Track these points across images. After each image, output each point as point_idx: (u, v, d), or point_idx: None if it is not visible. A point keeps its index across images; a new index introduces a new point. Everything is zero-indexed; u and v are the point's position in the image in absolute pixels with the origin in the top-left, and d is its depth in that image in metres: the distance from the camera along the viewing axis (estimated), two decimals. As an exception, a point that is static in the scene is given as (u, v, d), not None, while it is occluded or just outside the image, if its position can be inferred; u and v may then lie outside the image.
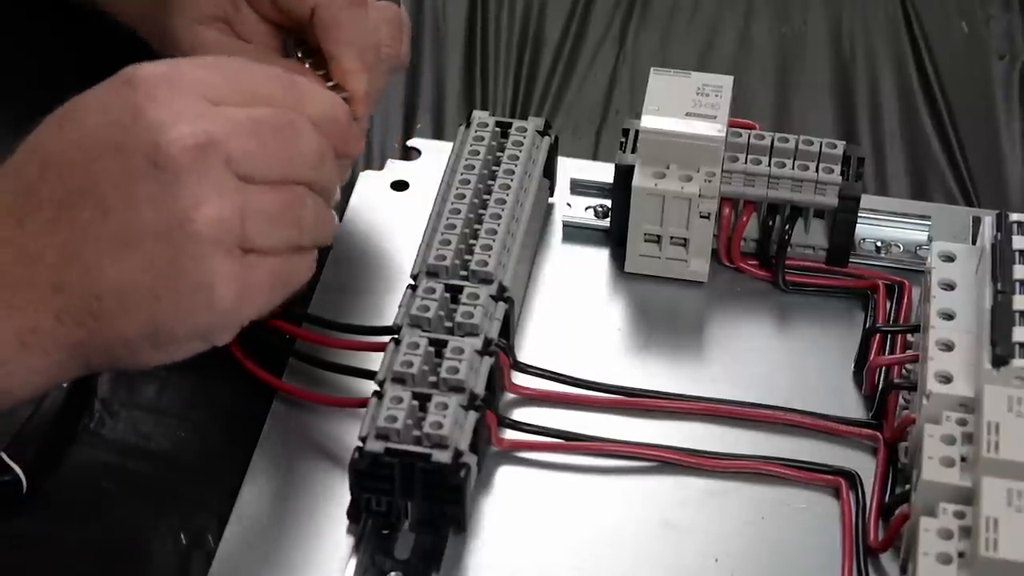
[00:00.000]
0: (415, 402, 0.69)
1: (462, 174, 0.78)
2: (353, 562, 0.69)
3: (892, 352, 0.76)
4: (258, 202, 0.64)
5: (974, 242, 0.80)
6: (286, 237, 0.66)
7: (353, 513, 0.70)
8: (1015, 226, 0.73)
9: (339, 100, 0.70)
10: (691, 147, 0.78)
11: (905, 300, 0.79)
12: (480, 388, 0.70)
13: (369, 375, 0.73)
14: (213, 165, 0.62)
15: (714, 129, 0.78)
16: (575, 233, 0.84)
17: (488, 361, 0.71)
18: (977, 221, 0.81)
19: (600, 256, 0.83)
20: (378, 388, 0.70)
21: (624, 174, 0.80)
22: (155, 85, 0.63)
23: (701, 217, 0.79)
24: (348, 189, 0.86)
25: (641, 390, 0.76)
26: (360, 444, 0.68)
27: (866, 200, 0.80)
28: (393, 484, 0.68)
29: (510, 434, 0.74)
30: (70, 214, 0.62)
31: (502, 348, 0.73)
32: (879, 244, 0.83)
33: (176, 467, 0.73)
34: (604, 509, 0.72)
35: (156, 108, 0.62)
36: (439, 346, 0.71)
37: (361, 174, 0.86)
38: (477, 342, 0.71)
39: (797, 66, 0.96)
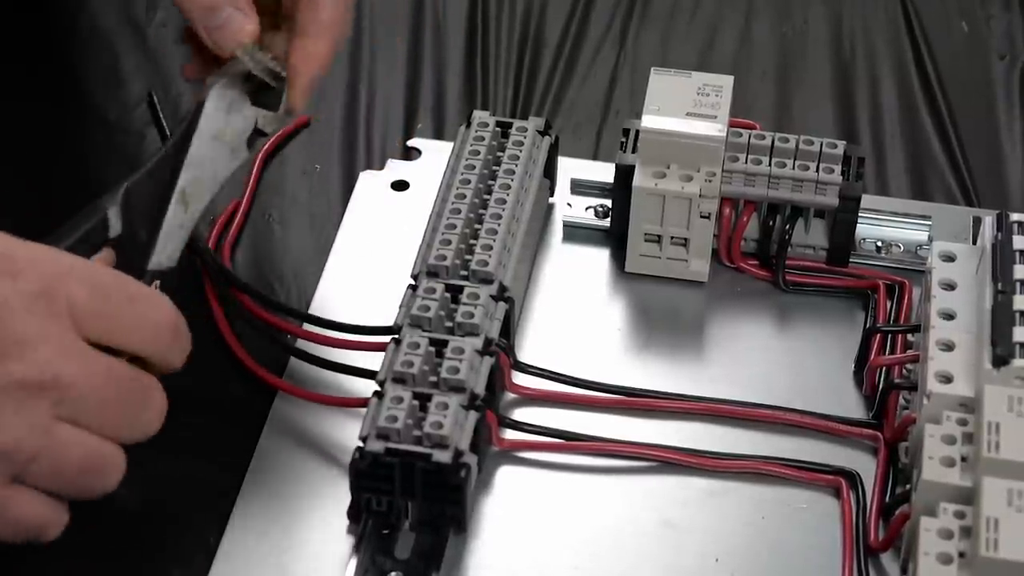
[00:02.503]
0: (415, 402, 0.69)
1: (462, 174, 0.78)
2: (353, 562, 0.69)
3: (892, 352, 0.76)
4: (59, 451, 0.61)
5: (974, 242, 0.80)
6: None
7: (353, 513, 0.70)
8: (1015, 226, 0.73)
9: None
10: (691, 147, 0.78)
11: (905, 300, 0.79)
12: (480, 388, 0.70)
13: (369, 375, 0.73)
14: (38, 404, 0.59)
15: (714, 129, 0.78)
16: (575, 233, 0.84)
17: (488, 361, 0.71)
18: (977, 221, 0.81)
19: (600, 256, 0.83)
20: (378, 388, 0.70)
21: (624, 174, 0.80)
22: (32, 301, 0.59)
23: (701, 217, 0.79)
24: (348, 189, 0.86)
25: (641, 390, 0.76)
26: (360, 444, 0.68)
27: (866, 200, 0.80)
28: (393, 484, 0.68)
29: (510, 434, 0.74)
30: None
31: (502, 348, 0.73)
32: (879, 244, 0.83)
33: (177, 466, 0.73)
34: (604, 509, 0.72)
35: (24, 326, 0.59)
36: (439, 346, 0.71)
37: (361, 174, 0.86)
38: (477, 342, 0.71)
39: (797, 66, 0.95)
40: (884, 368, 0.75)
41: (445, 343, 0.71)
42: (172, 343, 0.64)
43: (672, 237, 0.80)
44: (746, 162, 0.79)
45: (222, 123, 0.70)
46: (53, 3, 0.93)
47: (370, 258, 0.82)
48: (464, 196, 0.77)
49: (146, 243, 0.68)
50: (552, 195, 0.85)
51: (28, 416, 0.59)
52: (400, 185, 0.86)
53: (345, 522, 0.70)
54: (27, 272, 0.59)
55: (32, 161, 0.87)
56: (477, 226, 0.76)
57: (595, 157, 0.89)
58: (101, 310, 0.61)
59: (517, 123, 0.81)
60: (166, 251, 0.69)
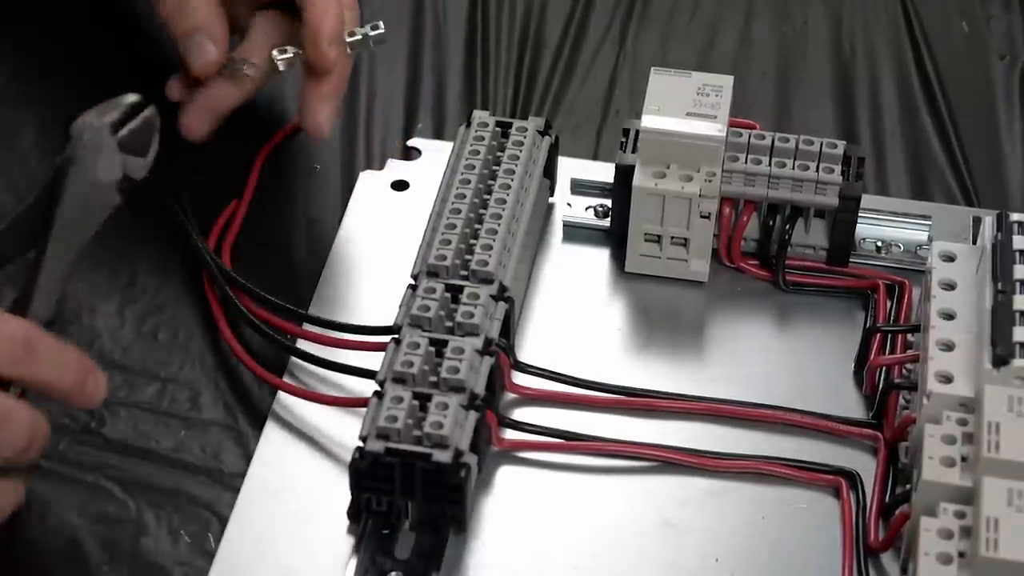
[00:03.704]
0: (415, 402, 0.69)
1: (462, 174, 0.78)
2: (353, 562, 0.69)
3: (892, 352, 0.76)
4: None
5: (974, 242, 0.80)
6: None
7: (353, 513, 0.70)
8: (1015, 226, 0.73)
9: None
10: (691, 147, 0.78)
11: (905, 300, 0.79)
12: (480, 388, 0.70)
13: (369, 375, 0.73)
14: None
15: (714, 129, 0.78)
16: (575, 233, 0.84)
17: (488, 361, 0.71)
18: (977, 221, 0.81)
19: (600, 256, 0.83)
20: (378, 388, 0.70)
21: (624, 174, 0.80)
22: None
23: (701, 217, 0.79)
24: (348, 189, 0.86)
25: (641, 390, 0.76)
26: (360, 444, 0.68)
27: (866, 200, 0.80)
28: (393, 484, 0.68)
29: (510, 434, 0.74)
30: None
31: (502, 348, 0.73)
32: (879, 244, 0.83)
33: (176, 467, 0.73)
34: (604, 509, 0.72)
35: None
36: (439, 346, 0.71)
37: (361, 174, 0.86)
38: (477, 342, 0.71)
39: (797, 66, 0.95)
40: (884, 368, 0.75)
41: (445, 343, 0.71)
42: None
43: (672, 237, 0.80)
44: (746, 162, 0.79)
45: (94, 173, 0.67)
46: (53, 4, 0.93)
47: (370, 258, 0.82)
48: (464, 196, 0.77)
49: (17, 297, 0.67)
50: (552, 195, 0.85)
51: None
52: (400, 185, 0.86)
53: (345, 522, 0.70)
54: None
55: (32, 164, 0.87)
56: (477, 226, 0.76)
57: (595, 157, 0.89)
58: None
59: (517, 123, 0.81)
60: (44, 306, 0.67)
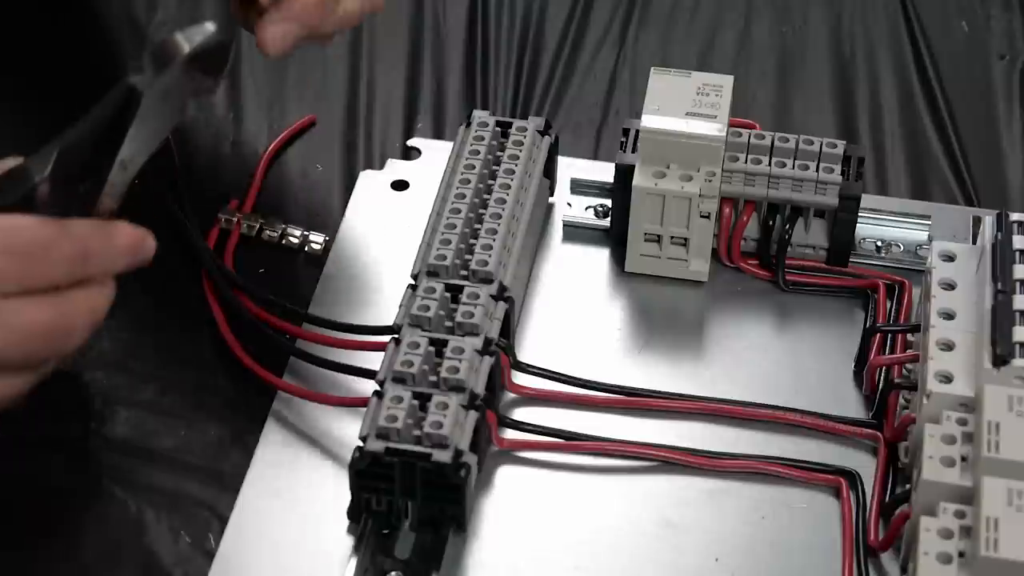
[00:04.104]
0: (415, 402, 0.69)
1: (462, 174, 0.78)
2: (353, 562, 0.69)
3: (892, 352, 0.76)
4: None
5: (974, 242, 0.80)
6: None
7: (353, 513, 0.70)
8: (1015, 226, 0.73)
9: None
10: (691, 147, 0.78)
11: (905, 300, 0.79)
12: (480, 388, 0.70)
13: (369, 375, 0.73)
14: None
15: (714, 129, 0.78)
16: (575, 233, 0.84)
17: (488, 361, 0.71)
18: (977, 221, 0.81)
19: (600, 256, 0.83)
20: (378, 388, 0.70)
21: (624, 174, 0.80)
22: None
23: (701, 217, 0.79)
24: (348, 189, 0.86)
25: (641, 390, 0.76)
26: (360, 444, 0.68)
27: (866, 200, 0.80)
28: (393, 484, 0.68)
29: (510, 434, 0.74)
30: None
31: (502, 348, 0.73)
32: (879, 244, 0.83)
33: (177, 467, 0.73)
34: (604, 509, 0.72)
35: None
36: (439, 346, 0.71)
37: (361, 174, 0.86)
38: (477, 342, 0.71)
39: (797, 66, 0.95)
40: (884, 368, 0.75)
41: (445, 343, 0.71)
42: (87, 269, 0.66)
43: (672, 237, 0.80)
44: (746, 162, 0.79)
45: (168, 88, 0.68)
46: (53, 4, 0.93)
47: (370, 258, 0.82)
48: (464, 196, 0.77)
49: (82, 197, 0.68)
50: (552, 195, 0.85)
51: None
52: (400, 185, 0.86)
53: (345, 522, 0.70)
54: None
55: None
56: (477, 226, 0.76)
57: (595, 157, 0.89)
58: (13, 272, 0.63)
59: (517, 123, 0.81)
60: (103, 206, 0.69)
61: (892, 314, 0.79)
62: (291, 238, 0.83)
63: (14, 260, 0.63)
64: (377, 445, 0.68)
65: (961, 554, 0.64)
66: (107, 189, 0.68)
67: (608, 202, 0.83)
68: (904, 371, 0.75)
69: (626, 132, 0.81)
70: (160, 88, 0.67)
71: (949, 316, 0.72)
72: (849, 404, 0.76)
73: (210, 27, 0.69)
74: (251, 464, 0.73)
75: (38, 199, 0.65)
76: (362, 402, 0.71)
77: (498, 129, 0.80)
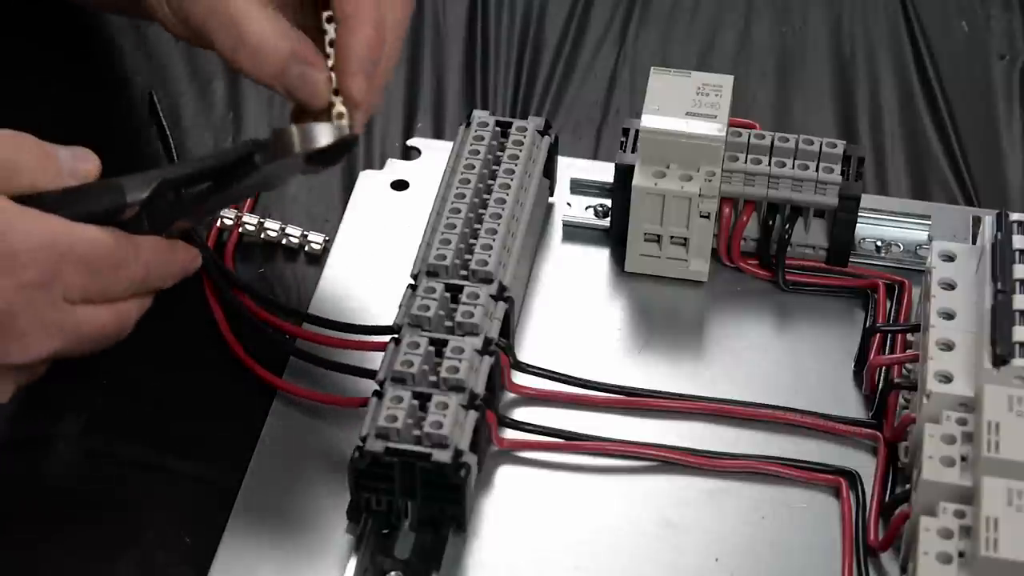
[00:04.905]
0: (415, 402, 0.69)
1: (462, 174, 0.78)
2: (353, 562, 0.69)
3: (892, 352, 0.76)
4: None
5: (974, 242, 0.80)
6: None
7: (353, 513, 0.70)
8: (1015, 226, 0.73)
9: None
10: (691, 146, 0.78)
11: (905, 300, 0.79)
12: (480, 388, 0.70)
13: (369, 375, 0.73)
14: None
15: (714, 129, 0.78)
16: (575, 233, 0.84)
17: (488, 361, 0.71)
18: (977, 221, 0.81)
19: (600, 256, 0.83)
20: (378, 388, 0.70)
21: (624, 173, 0.80)
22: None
23: (701, 217, 0.79)
24: (348, 189, 0.86)
25: (641, 390, 0.76)
26: (360, 444, 0.68)
27: (866, 200, 0.80)
28: (393, 484, 0.68)
29: (510, 433, 0.74)
30: None
31: (502, 348, 0.73)
32: (879, 244, 0.83)
33: (176, 467, 0.73)
34: (604, 509, 0.72)
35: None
36: (439, 346, 0.71)
37: (361, 174, 0.86)
38: (477, 342, 0.71)
39: (797, 66, 0.95)
40: (884, 368, 0.75)
41: (445, 343, 0.71)
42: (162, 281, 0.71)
43: (672, 237, 0.80)
44: (746, 162, 0.79)
45: (282, 170, 0.71)
46: (53, 4, 0.93)
47: (370, 258, 0.82)
48: (464, 196, 0.77)
49: (157, 221, 0.70)
50: (552, 195, 0.85)
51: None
52: (400, 185, 0.86)
53: (345, 522, 0.70)
54: (28, 267, 0.65)
55: None
56: (477, 226, 0.76)
57: (595, 157, 0.89)
58: (82, 283, 0.67)
59: (517, 123, 0.81)
60: (173, 230, 0.72)
61: (892, 314, 0.79)
62: (291, 238, 0.83)
63: (87, 274, 0.67)
64: (377, 445, 0.68)
65: (961, 554, 0.64)
66: (184, 221, 0.71)
67: (608, 202, 0.83)
68: (904, 371, 0.75)
69: (626, 132, 0.81)
70: (274, 168, 0.70)
71: (949, 316, 0.72)
72: (849, 404, 0.76)
73: (327, 131, 0.70)
74: (251, 464, 0.73)
75: (123, 216, 0.68)
76: (362, 402, 0.71)
77: (498, 129, 0.80)
